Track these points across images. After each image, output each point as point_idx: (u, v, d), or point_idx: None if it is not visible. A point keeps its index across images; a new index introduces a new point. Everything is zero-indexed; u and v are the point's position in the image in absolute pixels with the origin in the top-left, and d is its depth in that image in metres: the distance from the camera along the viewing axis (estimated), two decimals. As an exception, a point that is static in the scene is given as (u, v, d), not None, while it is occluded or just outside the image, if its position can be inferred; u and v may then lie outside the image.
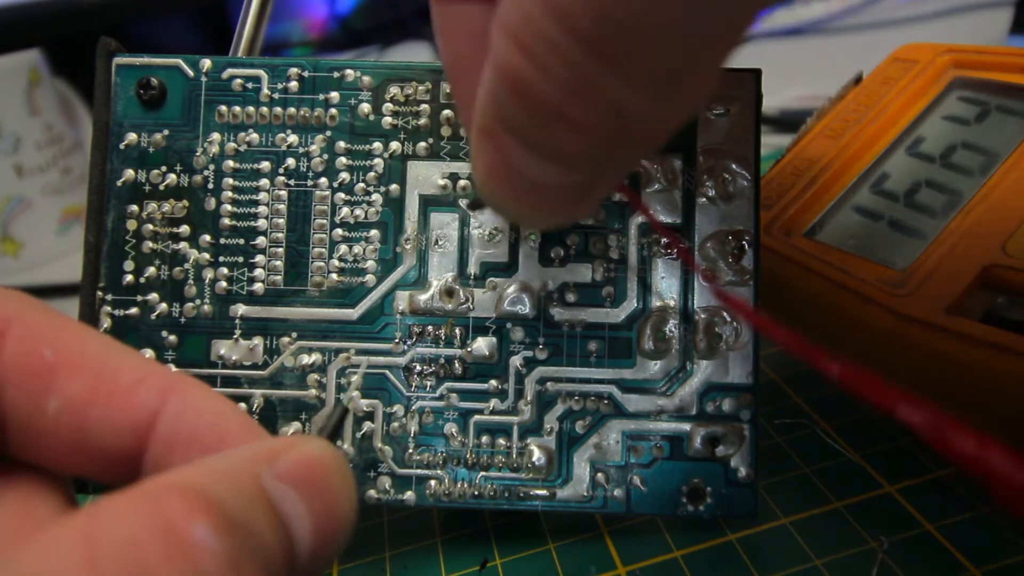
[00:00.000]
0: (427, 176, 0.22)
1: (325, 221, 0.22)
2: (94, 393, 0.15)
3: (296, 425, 0.21)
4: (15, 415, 0.15)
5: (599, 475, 0.21)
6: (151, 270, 0.22)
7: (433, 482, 0.21)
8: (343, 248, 0.22)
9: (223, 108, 0.22)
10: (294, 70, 0.22)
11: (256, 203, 0.22)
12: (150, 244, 0.22)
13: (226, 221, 0.22)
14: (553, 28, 0.11)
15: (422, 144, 0.22)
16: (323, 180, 0.22)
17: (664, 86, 0.11)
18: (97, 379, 0.15)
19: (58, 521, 0.11)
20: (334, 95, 0.22)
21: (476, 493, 0.21)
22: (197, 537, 0.11)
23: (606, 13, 0.10)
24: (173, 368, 0.21)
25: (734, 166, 0.21)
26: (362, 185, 0.22)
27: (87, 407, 0.15)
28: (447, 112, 0.22)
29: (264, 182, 0.22)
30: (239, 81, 0.22)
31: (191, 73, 0.22)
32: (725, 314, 0.21)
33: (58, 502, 0.15)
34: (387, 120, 0.22)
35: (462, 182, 0.22)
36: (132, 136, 0.22)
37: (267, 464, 0.13)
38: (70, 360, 0.15)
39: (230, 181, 0.22)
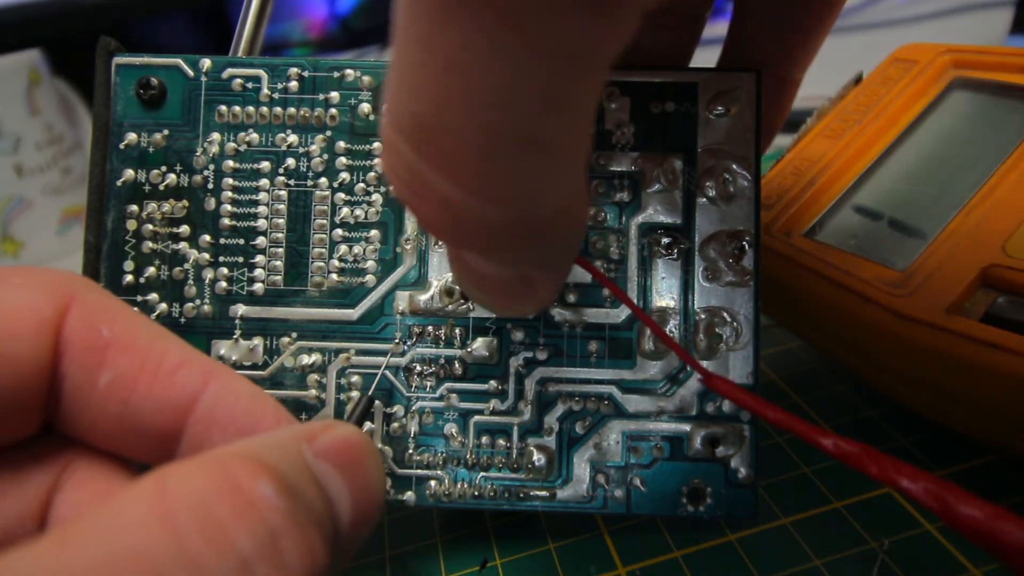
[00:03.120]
0: (427, 176, 0.22)
1: (325, 221, 0.22)
2: (141, 371, 0.16)
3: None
4: (70, 386, 0.16)
5: (599, 476, 0.21)
6: (151, 270, 0.22)
7: (433, 482, 0.21)
8: (343, 248, 0.22)
9: (223, 108, 0.22)
10: (294, 70, 0.22)
11: (256, 203, 0.22)
12: (150, 244, 0.22)
13: (226, 221, 0.22)
14: (389, 129, 0.12)
15: (422, 144, 0.21)
16: (323, 180, 0.22)
17: (478, 180, 0.12)
18: (145, 358, 0.16)
19: (126, 487, 0.12)
20: (334, 95, 0.22)
21: (476, 493, 0.21)
22: (263, 493, 0.12)
23: (416, 112, 0.11)
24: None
25: (734, 166, 0.21)
26: (362, 185, 0.22)
27: (134, 383, 0.16)
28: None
29: (264, 182, 0.22)
30: (239, 81, 0.22)
31: (191, 73, 0.22)
32: (725, 314, 0.21)
33: (117, 477, 0.16)
34: (387, 120, 0.22)
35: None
36: (132, 136, 0.22)
37: (307, 443, 0.14)
38: (122, 339, 0.16)
39: (230, 181, 0.22)
